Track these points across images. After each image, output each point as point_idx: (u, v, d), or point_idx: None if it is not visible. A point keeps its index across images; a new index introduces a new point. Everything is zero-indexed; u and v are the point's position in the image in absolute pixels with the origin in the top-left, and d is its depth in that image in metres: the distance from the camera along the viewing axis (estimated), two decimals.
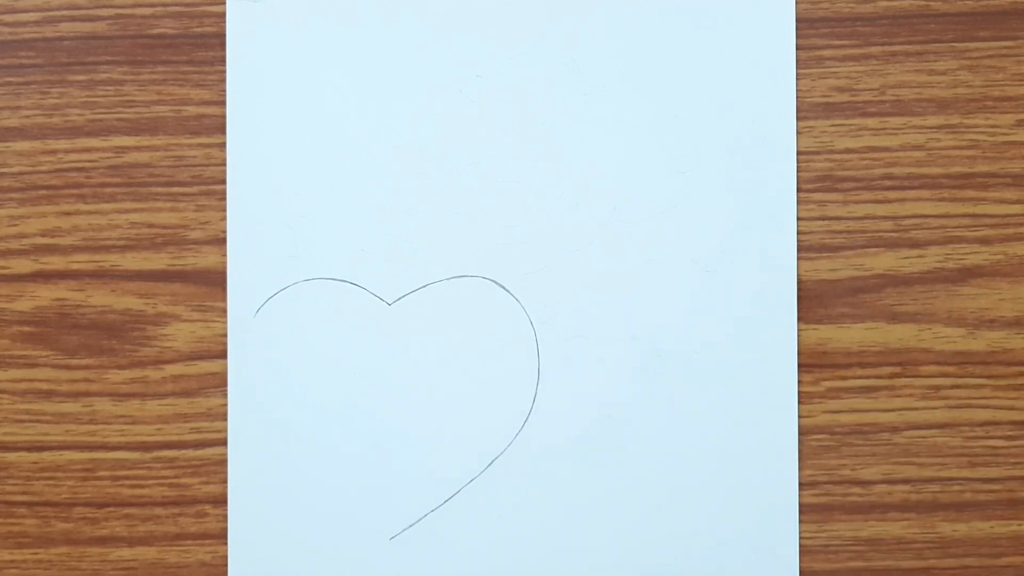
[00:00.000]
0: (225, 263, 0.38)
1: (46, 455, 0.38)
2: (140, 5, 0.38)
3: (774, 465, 0.37)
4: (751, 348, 0.37)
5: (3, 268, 0.38)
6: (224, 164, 0.38)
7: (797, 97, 0.38)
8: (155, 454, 0.38)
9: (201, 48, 0.38)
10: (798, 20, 0.38)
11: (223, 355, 0.38)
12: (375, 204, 0.38)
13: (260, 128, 0.38)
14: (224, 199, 0.38)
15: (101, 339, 0.38)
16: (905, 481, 0.38)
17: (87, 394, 0.38)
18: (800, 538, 0.37)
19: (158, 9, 0.38)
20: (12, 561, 0.38)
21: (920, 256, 0.38)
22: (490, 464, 0.37)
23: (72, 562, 0.38)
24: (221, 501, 0.38)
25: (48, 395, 0.38)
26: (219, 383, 0.38)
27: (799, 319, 0.37)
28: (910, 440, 0.38)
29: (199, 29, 0.38)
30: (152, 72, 0.38)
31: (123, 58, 0.38)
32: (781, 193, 0.37)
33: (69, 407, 0.38)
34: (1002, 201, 0.38)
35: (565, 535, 0.37)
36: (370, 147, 0.38)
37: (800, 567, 0.37)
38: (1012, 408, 0.38)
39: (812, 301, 0.37)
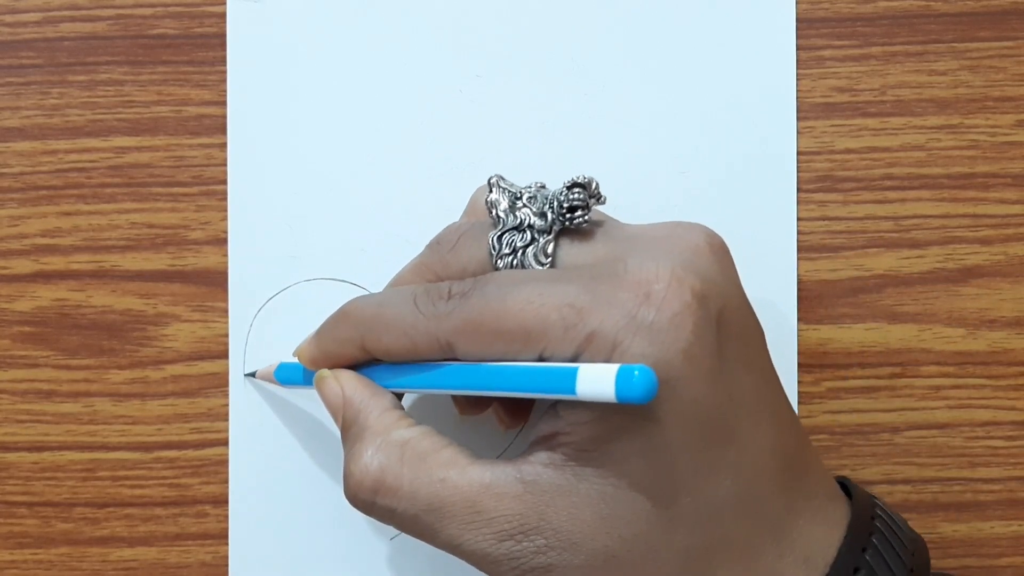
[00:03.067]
0: (225, 263, 0.38)
1: (46, 455, 0.38)
2: (141, 5, 0.38)
3: None
4: None
5: (3, 268, 0.38)
6: (224, 164, 0.38)
7: (797, 97, 0.38)
8: (155, 454, 0.38)
9: (201, 48, 0.38)
10: (798, 20, 0.38)
11: (223, 355, 0.38)
12: (375, 204, 0.38)
13: (260, 128, 0.38)
14: (224, 199, 0.38)
15: (101, 339, 0.38)
16: (905, 481, 0.38)
17: (87, 394, 0.38)
18: None
19: (159, 9, 0.38)
20: (12, 561, 0.38)
21: (920, 256, 0.38)
22: None
23: (72, 562, 0.38)
24: (222, 501, 0.38)
25: (48, 395, 0.38)
26: (219, 383, 0.38)
27: (799, 319, 0.37)
28: (910, 440, 0.38)
29: (199, 29, 0.38)
30: (152, 72, 0.38)
31: (123, 58, 0.38)
32: (781, 193, 0.37)
33: (69, 407, 0.38)
34: (1002, 201, 0.38)
35: None
36: (370, 147, 0.38)
37: None
38: (1012, 408, 0.38)
39: (812, 301, 0.37)
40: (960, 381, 0.37)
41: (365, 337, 0.31)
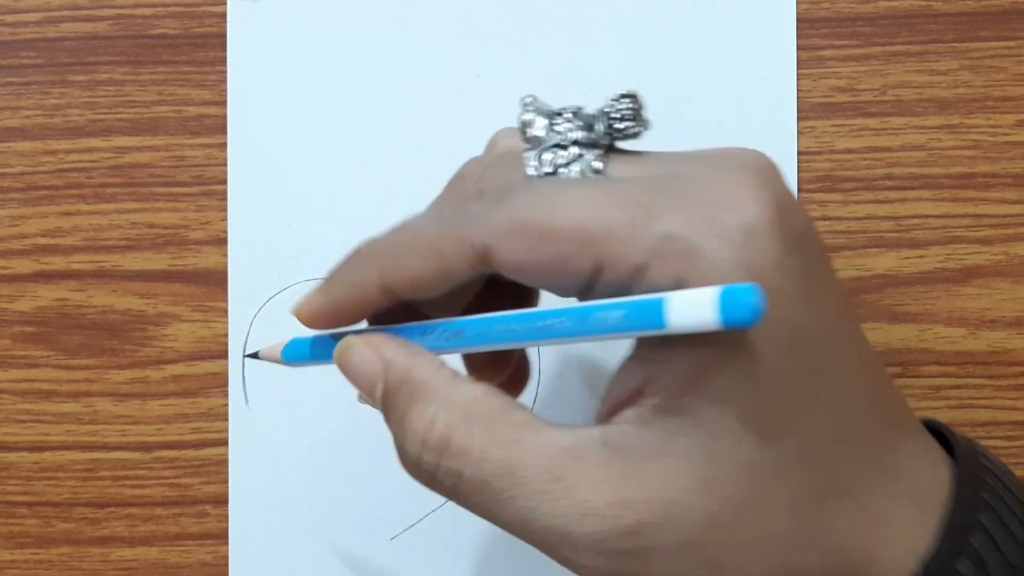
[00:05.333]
0: (226, 263, 0.38)
1: (47, 455, 0.38)
2: (141, 5, 0.38)
3: None
4: None
5: (4, 268, 0.38)
6: (225, 164, 0.38)
7: (797, 97, 0.38)
8: (156, 454, 0.38)
9: (202, 48, 0.38)
10: (798, 20, 0.38)
11: (224, 355, 0.38)
12: (375, 204, 0.38)
13: (260, 128, 0.38)
14: (225, 199, 0.38)
15: (102, 339, 0.38)
16: None
17: (88, 394, 0.38)
18: None
19: (159, 9, 0.38)
20: (13, 561, 0.38)
21: (921, 256, 0.38)
22: None
23: (73, 562, 0.38)
24: (222, 501, 0.38)
25: (49, 395, 0.38)
26: (220, 383, 0.38)
27: None
28: None
29: (200, 29, 0.38)
30: (153, 72, 0.38)
31: (124, 58, 0.38)
32: None
33: (70, 407, 0.38)
34: (1003, 201, 0.38)
35: None
36: (370, 147, 0.38)
37: None
38: (1013, 408, 0.38)
39: None
40: (960, 381, 0.37)
41: (385, 271, 0.26)
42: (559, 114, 0.26)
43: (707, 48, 0.37)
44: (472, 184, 0.26)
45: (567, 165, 0.25)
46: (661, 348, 0.24)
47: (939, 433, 0.28)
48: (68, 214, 0.38)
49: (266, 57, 0.38)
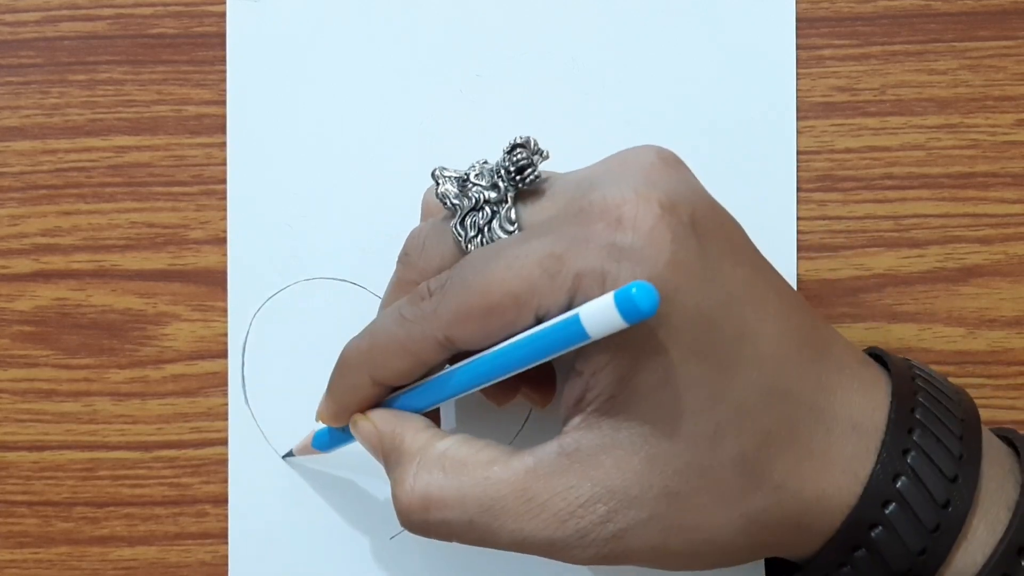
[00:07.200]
0: (225, 263, 0.38)
1: (46, 455, 0.38)
2: (140, 5, 0.38)
3: None
4: None
5: (3, 268, 0.38)
6: (224, 164, 0.38)
7: (797, 97, 0.38)
8: (155, 454, 0.38)
9: (201, 48, 0.38)
10: (798, 20, 0.38)
11: (223, 355, 0.38)
12: (375, 204, 0.38)
13: (260, 128, 0.38)
14: (224, 199, 0.38)
15: (101, 339, 0.38)
16: None
17: (87, 394, 0.38)
18: None
19: (158, 9, 0.38)
20: (12, 561, 0.38)
21: (920, 256, 0.38)
22: None
23: (72, 562, 0.38)
24: (221, 501, 0.38)
25: (48, 395, 0.38)
26: (219, 383, 0.38)
27: None
28: None
29: (199, 29, 0.38)
30: (152, 72, 0.38)
31: (123, 58, 0.38)
32: (781, 193, 0.37)
33: (69, 407, 0.38)
34: (1002, 201, 0.38)
35: None
36: (370, 147, 0.38)
37: None
38: (1012, 408, 0.38)
39: (812, 301, 0.37)
40: (960, 381, 0.37)
41: (372, 373, 0.31)
42: (466, 180, 0.30)
43: (707, 48, 0.37)
44: (417, 272, 0.31)
45: (489, 223, 0.30)
46: (591, 361, 0.27)
47: (879, 357, 0.32)
48: (67, 214, 0.38)
49: (266, 57, 0.38)
